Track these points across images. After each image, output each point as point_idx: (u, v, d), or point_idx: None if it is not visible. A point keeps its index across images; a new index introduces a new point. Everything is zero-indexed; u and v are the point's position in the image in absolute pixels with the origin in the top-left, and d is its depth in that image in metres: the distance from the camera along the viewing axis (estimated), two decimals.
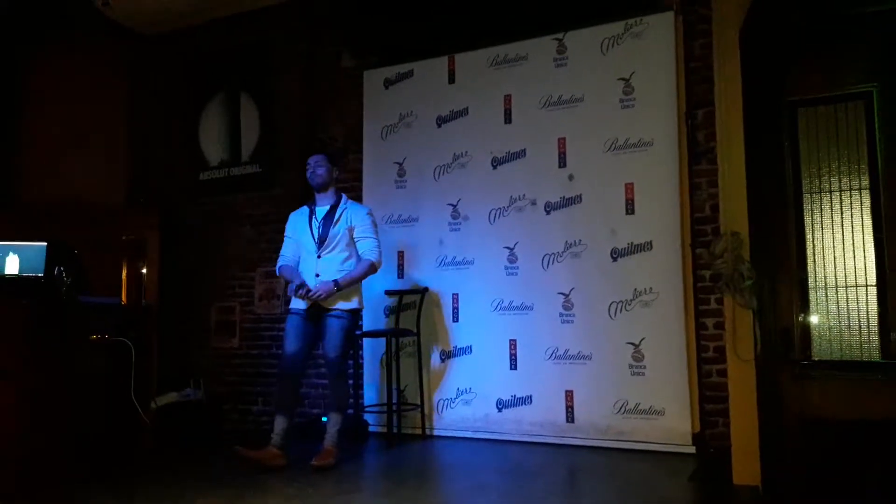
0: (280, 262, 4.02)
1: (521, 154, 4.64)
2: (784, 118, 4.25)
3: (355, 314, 3.93)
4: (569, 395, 4.32)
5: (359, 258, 3.91)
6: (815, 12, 4.10)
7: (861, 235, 4.08)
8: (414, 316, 4.72)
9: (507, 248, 4.61)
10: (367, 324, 4.95)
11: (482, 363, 4.61)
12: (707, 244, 4.04)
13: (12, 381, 3.40)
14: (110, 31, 5.55)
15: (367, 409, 4.79)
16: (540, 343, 4.43)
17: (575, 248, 4.41)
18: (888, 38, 3.96)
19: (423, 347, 4.72)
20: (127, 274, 5.15)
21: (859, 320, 4.03)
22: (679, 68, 4.24)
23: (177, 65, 5.89)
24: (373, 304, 4.95)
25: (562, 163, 4.51)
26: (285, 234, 4.07)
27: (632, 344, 4.18)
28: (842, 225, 4.14)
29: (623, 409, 4.17)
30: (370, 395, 4.91)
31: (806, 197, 4.22)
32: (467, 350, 4.69)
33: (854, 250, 4.09)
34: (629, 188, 4.30)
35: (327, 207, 3.94)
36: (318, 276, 3.81)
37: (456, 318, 4.75)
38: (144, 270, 5.16)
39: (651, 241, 4.21)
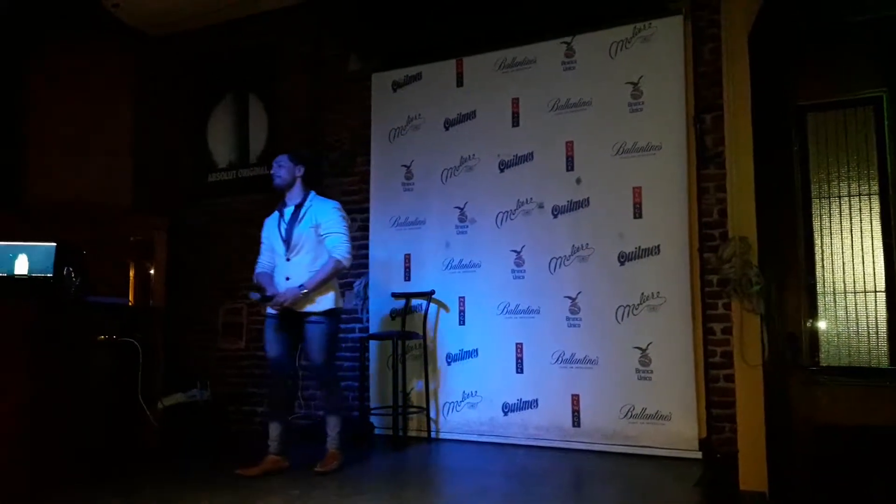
0: (257, 269, 3.91)
1: (528, 157, 4.63)
2: (793, 123, 4.24)
3: (333, 314, 3.74)
4: (575, 399, 4.31)
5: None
6: (823, 18, 4.10)
7: (870, 241, 4.06)
8: (420, 318, 4.72)
9: (514, 251, 4.60)
10: (374, 326, 4.95)
11: (488, 366, 4.60)
12: (715, 249, 4.04)
13: (21, 379, 3.42)
14: (118, 31, 5.55)
15: (372, 411, 4.79)
16: (546, 347, 4.42)
17: (582, 251, 4.40)
18: None
19: (429, 350, 4.72)
20: (134, 275, 5.16)
21: (868, 326, 4.01)
22: (688, 72, 4.23)
23: (184, 66, 5.90)
24: (379, 307, 4.96)
25: (569, 166, 4.50)
26: (261, 240, 3.95)
27: (639, 348, 4.17)
28: (851, 230, 4.13)
29: (629, 414, 4.15)
30: (376, 397, 4.91)
31: (815, 202, 4.21)
32: (473, 353, 4.68)
33: (863, 256, 4.07)
34: (637, 192, 4.29)
35: (293, 208, 3.80)
36: (288, 279, 3.69)
37: (462, 321, 4.74)
38: (152, 271, 5.17)
39: (659, 246, 4.20)
